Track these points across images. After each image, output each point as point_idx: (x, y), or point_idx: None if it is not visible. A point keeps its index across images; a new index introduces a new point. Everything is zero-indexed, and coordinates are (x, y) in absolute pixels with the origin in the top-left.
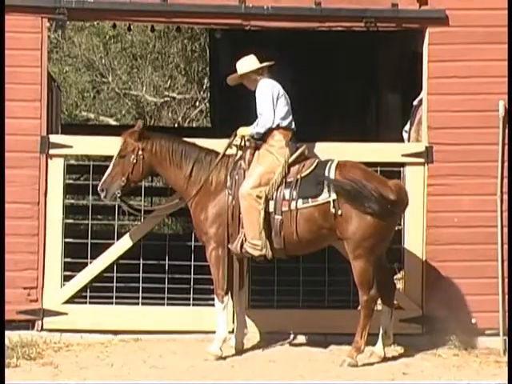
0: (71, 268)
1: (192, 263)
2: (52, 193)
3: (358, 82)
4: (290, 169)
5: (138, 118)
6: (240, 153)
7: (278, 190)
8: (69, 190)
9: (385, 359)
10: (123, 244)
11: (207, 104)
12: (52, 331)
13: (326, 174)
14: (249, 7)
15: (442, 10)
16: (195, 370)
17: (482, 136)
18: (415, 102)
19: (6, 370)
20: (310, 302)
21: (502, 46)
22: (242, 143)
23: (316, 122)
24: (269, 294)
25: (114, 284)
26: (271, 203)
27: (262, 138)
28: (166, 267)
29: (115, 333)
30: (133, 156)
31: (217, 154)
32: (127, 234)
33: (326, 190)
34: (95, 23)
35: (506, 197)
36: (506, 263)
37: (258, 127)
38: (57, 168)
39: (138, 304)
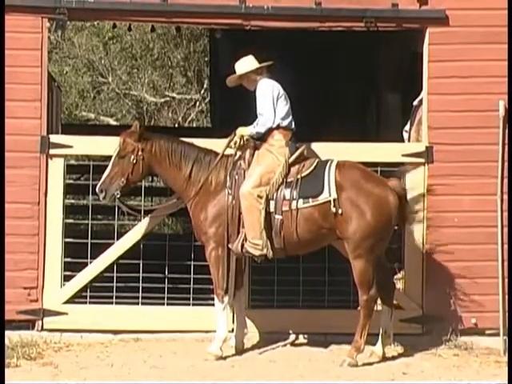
0: (71, 268)
1: (192, 263)
2: (52, 193)
3: (358, 82)
4: (291, 169)
5: (138, 118)
6: (239, 153)
7: (278, 189)
8: (69, 190)
9: (385, 359)
10: (123, 244)
11: (207, 104)
12: (52, 331)
13: (326, 173)
14: (249, 7)
15: (442, 10)
16: (195, 369)
17: (482, 136)
18: (415, 102)
19: (6, 370)
20: (310, 302)
21: (502, 45)
22: (241, 143)
23: (316, 121)
24: (269, 294)
25: (114, 284)
26: (272, 203)
27: (262, 137)
28: (166, 267)
29: (115, 333)
30: (132, 156)
31: (216, 154)
32: (127, 234)
33: (326, 189)
34: (95, 23)
35: (506, 197)
36: (506, 263)
37: (258, 127)
38: (57, 168)
39: (137, 304)
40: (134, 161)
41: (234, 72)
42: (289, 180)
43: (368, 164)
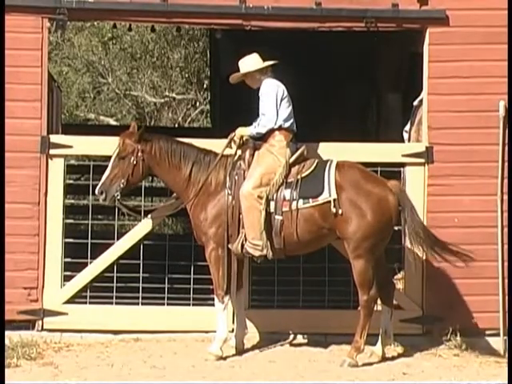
0: (71, 268)
1: (192, 263)
2: (52, 193)
3: (359, 83)
4: (291, 169)
5: (138, 119)
6: (239, 153)
7: (278, 190)
8: (69, 190)
9: (385, 359)
10: (123, 244)
11: (207, 104)
12: (52, 331)
13: (326, 174)
14: (249, 7)
15: (442, 10)
16: (195, 370)
17: (482, 136)
18: (415, 102)
19: (7, 369)
20: (310, 302)
21: (502, 46)
22: (241, 143)
23: (316, 122)
24: (269, 294)
25: (114, 284)
26: (272, 203)
27: (262, 137)
28: (166, 267)
29: (115, 333)
30: (132, 158)
31: (215, 154)
32: (127, 234)
33: (326, 189)
34: (95, 24)
35: (506, 197)
36: (506, 263)
37: (259, 127)
38: (57, 168)
39: (138, 304)
40: (134, 162)
41: (237, 70)
42: (289, 180)
43: (368, 164)
